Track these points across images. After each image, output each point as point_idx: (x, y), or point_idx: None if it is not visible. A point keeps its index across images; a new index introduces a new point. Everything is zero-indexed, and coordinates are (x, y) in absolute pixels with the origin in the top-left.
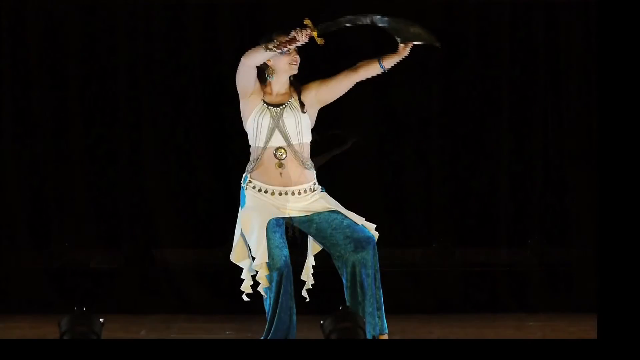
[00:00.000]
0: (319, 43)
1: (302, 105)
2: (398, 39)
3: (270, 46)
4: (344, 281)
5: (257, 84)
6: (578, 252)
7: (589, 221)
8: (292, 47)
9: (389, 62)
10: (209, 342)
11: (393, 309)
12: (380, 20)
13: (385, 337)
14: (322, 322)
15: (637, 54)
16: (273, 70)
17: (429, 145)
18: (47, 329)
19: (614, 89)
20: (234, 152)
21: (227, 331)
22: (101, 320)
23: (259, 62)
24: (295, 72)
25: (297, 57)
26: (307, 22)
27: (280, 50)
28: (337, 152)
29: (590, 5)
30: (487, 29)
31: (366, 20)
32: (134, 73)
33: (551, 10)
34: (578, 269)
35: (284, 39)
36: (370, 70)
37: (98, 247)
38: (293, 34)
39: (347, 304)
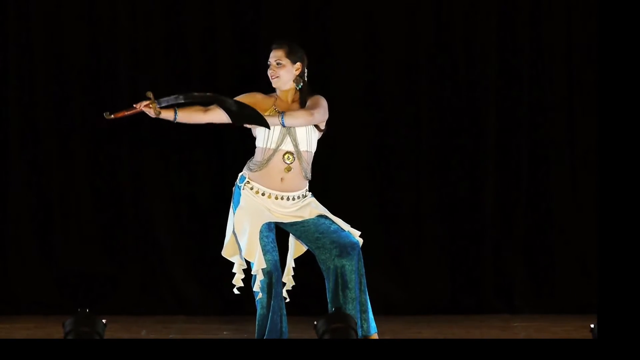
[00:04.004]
0: (155, 114)
1: None
2: (231, 120)
3: (107, 115)
4: (327, 283)
5: (256, 98)
6: (562, 256)
7: (573, 224)
8: (128, 114)
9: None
10: (207, 342)
11: (382, 310)
12: (218, 100)
13: (375, 337)
14: (315, 322)
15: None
16: None
17: (419, 151)
18: (52, 330)
19: (613, 92)
20: (231, 156)
21: (224, 332)
22: (104, 321)
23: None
24: (275, 86)
25: (272, 72)
26: (148, 94)
27: (117, 117)
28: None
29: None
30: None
31: (206, 98)
32: (133, 78)
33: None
34: (562, 272)
35: (125, 111)
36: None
37: (100, 251)
38: (134, 105)
39: (329, 305)
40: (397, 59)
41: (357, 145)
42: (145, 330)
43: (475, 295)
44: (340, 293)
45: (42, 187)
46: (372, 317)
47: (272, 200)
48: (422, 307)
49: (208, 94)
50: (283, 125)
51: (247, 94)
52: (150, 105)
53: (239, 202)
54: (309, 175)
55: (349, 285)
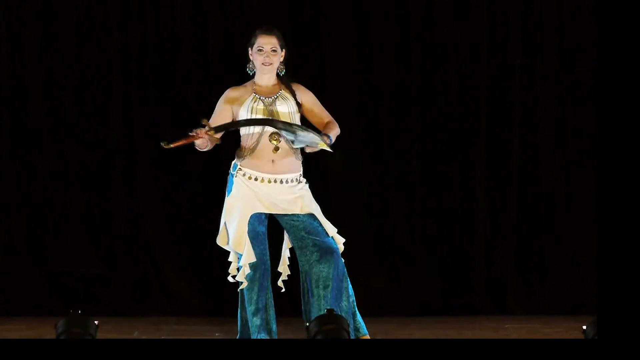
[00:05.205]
0: (212, 141)
1: (293, 93)
2: (291, 142)
3: (165, 144)
4: (301, 285)
5: (233, 95)
6: (554, 257)
7: (565, 225)
8: (186, 142)
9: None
10: (199, 343)
11: (374, 311)
12: (276, 124)
13: (367, 338)
14: (307, 324)
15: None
16: (254, 66)
17: (411, 151)
18: (44, 331)
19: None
20: (225, 156)
21: (216, 333)
22: (96, 322)
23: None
24: (268, 73)
25: (269, 58)
26: (204, 121)
27: (176, 146)
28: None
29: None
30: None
31: (263, 122)
32: (127, 81)
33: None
34: (554, 273)
35: (184, 139)
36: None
37: (93, 252)
38: (191, 133)
39: (302, 307)
40: (389, 59)
41: (349, 145)
42: (137, 331)
43: (467, 296)
44: (311, 298)
45: (34, 187)
46: (362, 320)
47: (265, 184)
48: (414, 308)
49: (265, 117)
50: (331, 143)
51: (225, 95)
52: (208, 132)
53: (231, 190)
54: (300, 156)
55: (321, 293)
